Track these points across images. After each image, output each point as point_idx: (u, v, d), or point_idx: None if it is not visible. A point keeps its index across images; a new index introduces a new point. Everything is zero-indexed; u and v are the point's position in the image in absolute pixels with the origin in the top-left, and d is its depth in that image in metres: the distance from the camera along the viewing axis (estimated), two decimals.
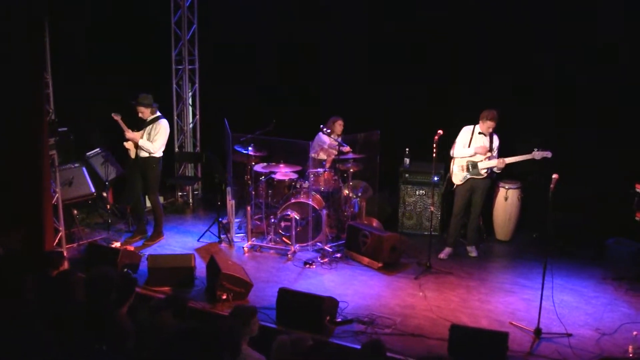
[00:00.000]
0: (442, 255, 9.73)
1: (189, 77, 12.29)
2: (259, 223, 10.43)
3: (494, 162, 9.34)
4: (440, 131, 8.96)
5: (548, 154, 8.96)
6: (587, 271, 9.28)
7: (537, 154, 9.01)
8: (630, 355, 6.88)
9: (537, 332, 7.29)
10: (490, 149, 9.39)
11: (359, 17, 11.16)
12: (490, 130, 9.31)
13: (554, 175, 7.36)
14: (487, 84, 10.48)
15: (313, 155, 10.41)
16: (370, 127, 10.21)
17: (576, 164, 9.85)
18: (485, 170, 9.42)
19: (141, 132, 9.61)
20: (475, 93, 10.42)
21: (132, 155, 9.67)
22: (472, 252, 9.87)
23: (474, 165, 9.42)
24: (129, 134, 9.54)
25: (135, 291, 6.56)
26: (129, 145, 9.62)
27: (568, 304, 8.19)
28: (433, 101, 10.75)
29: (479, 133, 9.40)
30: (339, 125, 10.51)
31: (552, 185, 7.36)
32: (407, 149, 10.79)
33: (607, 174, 9.90)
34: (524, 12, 10.25)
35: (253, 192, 10.22)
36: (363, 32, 11.18)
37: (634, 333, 7.33)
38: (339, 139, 10.24)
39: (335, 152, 10.30)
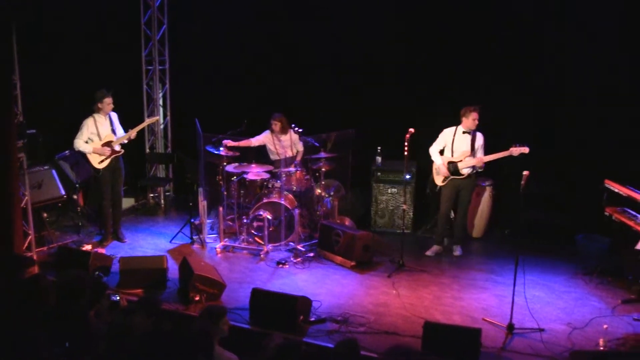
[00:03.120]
0: (428, 253, 9.81)
1: (160, 77, 12.21)
2: (231, 223, 10.39)
3: (473, 162, 9.37)
4: (411, 130, 8.99)
5: (525, 150, 8.94)
6: (558, 266, 9.36)
7: (514, 150, 9.00)
8: (601, 348, 6.95)
9: (510, 327, 7.34)
10: (473, 149, 9.41)
11: (335, 17, 11.16)
12: (476, 122, 9.28)
13: (525, 172, 7.41)
14: (460, 82, 10.52)
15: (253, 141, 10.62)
16: (343, 126, 10.22)
17: (547, 160, 9.92)
18: (467, 170, 9.46)
19: (116, 130, 9.70)
20: (448, 92, 10.45)
21: (106, 163, 9.63)
22: (457, 250, 9.87)
23: (454, 165, 9.46)
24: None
25: (105, 294, 6.54)
26: (102, 154, 9.58)
27: (540, 300, 8.26)
28: (405, 100, 10.77)
29: (463, 132, 9.42)
30: (273, 125, 10.50)
31: (523, 182, 7.42)
32: (379, 148, 10.81)
33: (577, 170, 10.01)
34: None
35: (225, 193, 10.18)
36: (337, 31, 11.16)
37: (605, 326, 7.43)
38: (308, 137, 10.24)
39: (275, 149, 10.53)
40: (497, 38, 10.43)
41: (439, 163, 9.52)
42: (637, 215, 8.58)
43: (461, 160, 9.41)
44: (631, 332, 7.43)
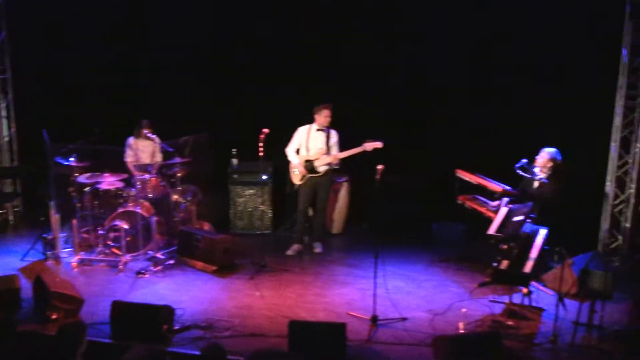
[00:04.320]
0: (289, 252, 9.83)
1: (1, 87, 11.62)
2: (86, 236, 10.04)
3: (328, 159, 9.49)
4: (265, 130, 9.01)
5: (379, 144, 9.19)
6: (416, 256, 9.65)
7: (368, 146, 9.23)
8: (461, 331, 7.20)
9: (374, 319, 7.47)
10: (328, 146, 9.52)
11: (187, 17, 11.04)
12: (329, 119, 9.41)
13: (379, 166, 7.57)
14: (313, 82, 10.61)
15: (128, 160, 10.36)
16: (197, 130, 10.10)
17: (400, 154, 10.16)
18: (323, 168, 9.54)
19: None
20: (302, 92, 10.52)
21: None
22: (317, 247, 9.97)
23: (311, 164, 9.52)
24: None
25: None
26: None
27: (401, 290, 8.46)
28: (257, 100, 10.78)
29: (317, 130, 9.50)
30: (143, 131, 10.27)
31: (378, 176, 7.56)
32: (233, 150, 10.75)
33: (430, 161, 10.34)
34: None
35: (78, 204, 9.83)
36: (186, 33, 11.04)
37: (463, 310, 7.69)
38: (162, 143, 10.06)
39: (146, 154, 10.34)
40: (350, 39, 10.63)
41: (295, 162, 9.58)
42: (488, 201, 8.96)
43: (317, 159, 9.50)
44: (488, 313, 7.75)
